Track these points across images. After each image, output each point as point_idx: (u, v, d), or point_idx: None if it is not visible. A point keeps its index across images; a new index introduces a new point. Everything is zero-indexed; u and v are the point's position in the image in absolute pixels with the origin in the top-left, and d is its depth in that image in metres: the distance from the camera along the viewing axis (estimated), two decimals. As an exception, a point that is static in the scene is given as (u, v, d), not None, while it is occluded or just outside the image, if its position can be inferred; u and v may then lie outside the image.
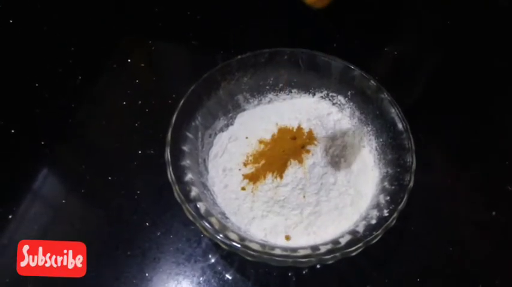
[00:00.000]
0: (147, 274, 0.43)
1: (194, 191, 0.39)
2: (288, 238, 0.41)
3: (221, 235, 0.36)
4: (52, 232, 0.46)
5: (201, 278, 0.43)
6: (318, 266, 0.44)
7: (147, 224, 0.46)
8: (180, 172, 0.39)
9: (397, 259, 0.45)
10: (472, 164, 0.51)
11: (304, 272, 0.44)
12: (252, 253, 0.35)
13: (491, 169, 0.51)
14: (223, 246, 0.36)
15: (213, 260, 0.44)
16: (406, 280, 0.43)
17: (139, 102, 0.55)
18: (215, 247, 0.45)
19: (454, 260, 0.45)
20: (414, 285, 0.43)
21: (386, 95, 0.43)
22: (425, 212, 0.47)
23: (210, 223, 0.36)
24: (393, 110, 0.42)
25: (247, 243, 0.35)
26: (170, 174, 0.38)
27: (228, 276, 0.43)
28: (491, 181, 0.50)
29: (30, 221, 0.46)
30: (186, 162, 0.41)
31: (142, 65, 0.59)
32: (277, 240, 0.41)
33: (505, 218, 0.47)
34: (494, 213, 0.47)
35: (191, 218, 0.37)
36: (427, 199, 0.48)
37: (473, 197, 0.49)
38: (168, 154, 0.39)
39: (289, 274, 0.44)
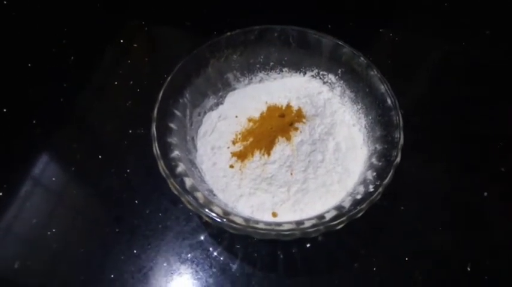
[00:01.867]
0: (135, 251, 0.43)
1: (181, 167, 0.39)
2: (274, 215, 0.41)
3: (206, 209, 0.36)
4: (42, 209, 0.46)
5: (189, 255, 0.43)
6: (308, 245, 0.44)
7: (136, 202, 0.46)
8: (166, 148, 0.39)
9: (386, 238, 0.45)
10: (464, 144, 0.51)
11: (293, 250, 0.44)
12: (236, 226, 0.35)
13: (484, 150, 0.50)
14: (208, 220, 0.36)
15: (201, 238, 0.44)
16: (395, 259, 0.43)
17: (131, 82, 0.55)
18: (204, 225, 0.45)
19: (443, 240, 0.45)
20: (403, 264, 0.43)
21: (375, 72, 0.42)
22: (415, 192, 0.47)
23: (195, 198, 0.36)
24: (382, 87, 0.41)
25: (231, 217, 0.35)
26: (155, 149, 0.38)
27: (216, 253, 0.44)
28: (484, 162, 0.50)
29: (21, 199, 0.46)
30: (173, 139, 0.41)
31: (135, 45, 0.59)
32: (264, 217, 0.41)
33: (497, 199, 0.47)
34: (486, 194, 0.47)
35: (176, 192, 0.37)
36: (417, 179, 0.48)
37: (465, 177, 0.49)
38: (154, 130, 0.39)
39: (278, 252, 0.44)
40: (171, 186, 0.37)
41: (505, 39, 0.61)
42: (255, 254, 0.43)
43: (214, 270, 0.43)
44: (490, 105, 0.54)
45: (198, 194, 0.37)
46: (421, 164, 0.49)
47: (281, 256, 0.43)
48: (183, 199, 0.37)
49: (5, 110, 0.53)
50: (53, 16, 0.62)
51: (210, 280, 0.42)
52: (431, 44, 0.60)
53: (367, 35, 0.61)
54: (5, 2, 0.63)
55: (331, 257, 0.44)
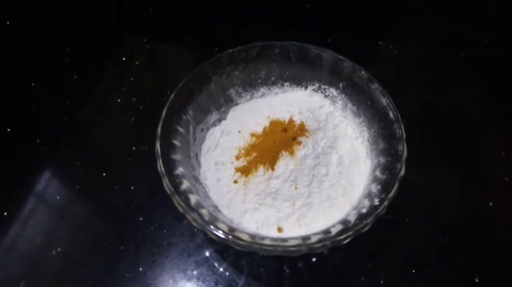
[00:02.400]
0: (140, 269, 0.43)
1: (185, 184, 0.39)
2: (280, 229, 0.41)
3: (211, 226, 0.36)
4: (47, 228, 0.46)
5: (195, 272, 0.43)
6: (314, 259, 0.43)
7: (141, 219, 0.46)
8: (170, 165, 0.39)
9: (391, 251, 0.45)
10: (468, 155, 0.51)
11: (299, 265, 0.43)
12: (241, 243, 0.35)
13: (488, 160, 0.50)
14: (214, 237, 0.36)
15: (206, 254, 0.44)
16: (401, 272, 0.43)
17: (134, 99, 0.55)
18: (209, 241, 0.45)
19: (450, 252, 0.44)
20: (409, 276, 0.43)
21: (377, 85, 0.42)
22: (419, 203, 0.47)
23: (200, 214, 0.36)
24: (384, 100, 0.42)
25: (237, 233, 0.35)
26: (160, 166, 0.38)
27: (221, 269, 0.43)
28: (488, 172, 0.50)
29: (25, 218, 0.46)
30: (177, 156, 0.41)
31: (137, 63, 0.60)
32: (269, 232, 0.41)
33: (502, 209, 0.47)
34: (491, 204, 0.47)
35: (181, 209, 0.37)
36: (421, 190, 0.48)
37: (469, 188, 0.48)
38: (158, 147, 0.39)
39: (284, 268, 0.43)
40: (175, 203, 0.37)
41: (504, 47, 0.61)
42: (261, 270, 0.43)
43: (220, 286, 0.42)
44: (493, 115, 0.54)
45: (203, 211, 0.37)
46: (425, 176, 0.48)
47: (287, 271, 0.43)
48: (188, 216, 0.37)
49: (8, 129, 0.53)
50: (54, 35, 0.63)
51: (217, 297, 0.42)
52: (431, 55, 0.61)
53: (367, 47, 0.61)
54: (7, 23, 0.64)
55: (338, 271, 0.43)
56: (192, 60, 0.61)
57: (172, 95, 0.42)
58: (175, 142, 0.42)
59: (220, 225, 0.36)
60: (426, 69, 0.60)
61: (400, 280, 0.43)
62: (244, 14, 0.64)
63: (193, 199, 0.38)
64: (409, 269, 0.43)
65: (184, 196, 0.38)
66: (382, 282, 0.42)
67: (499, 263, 0.43)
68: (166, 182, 0.37)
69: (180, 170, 0.40)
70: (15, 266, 0.44)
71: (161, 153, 0.39)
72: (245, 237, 0.35)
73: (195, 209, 0.37)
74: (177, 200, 0.37)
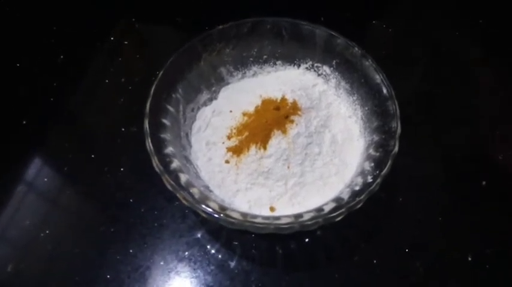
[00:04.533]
0: (131, 250, 0.43)
1: (175, 163, 0.38)
2: (272, 209, 0.41)
3: (202, 205, 0.35)
4: (35, 210, 0.45)
5: (186, 253, 0.42)
6: (307, 239, 0.43)
7: (131, 200, 0.45)
8: (160, 144, 0.38)
9: (385, 230, 0.44)
10: (462, 133, 0.51)
11: (291, 245, 0.43)
12: (233, 221, 0.34)
13: (482, 138, 0.50)
14: (205, 216, 0.35)
15: (198, 235, 0.44)
16: (395, 251, 0.43)
17: (123, 79, 0.54)
18: (200, 222, 0.44)
19: (443, 231, 0.44)
20: (403, 256, 0.42)
21: (370, 62, 0.42)
22: (413, 183, 0.47)
23: (190, 193, 0.36)
24: (378, 77, 0.41)
25: (228, 212, 0.35)
26: (149, 145, 0.37)
27: (213, 251, 0.43)
28: (482, 150, 0.49)
29: (13, 201, 0.45)
30: (167, 135, 0.40)
31: (126, 42, 0.58)
32: (262, 212, 0.40)
33: (496, 188, 0.46)
34: (484, 183, 0.47)
35: (171, 188, 0.36)
36: (415, 170, 0.47)
37: (463, 167, 0.48)
38: (146, 125, 0.38)
39: (276, 248, 0.43)
40: (165, 182, 0.36)
41: (498, 27, 0.60)
42: (254, 251, 0.43)
43: (212, 267, 0.42)
44: (488, 92, 0.54)
45: (194, 190, 0.36)
46: (419, 155, 0.48)
47: (280, 251, 0.43)
48: (178, 195, 0.36)
49: (-6, 110, 0.52)
50: (41, 15, 0.61)
51: (209, 278, 0.41)
52: (425, 34, 0.60)
53: (361, 26, 0.60)
54: (-8, 2, 0.62)
55: (331, 251, 0.43)
56: (182, 40, 0.58)
57: (161, 72, 0.41)
58: (165, 121, 0.41)
59: (211, 204, 0.35)
60: (420, 48, 0.59)
61: (393, 259, 0.42)
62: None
63: (183, 178, 0.37)
64: (403, 248, 0.43)
65: (174, 174, 0.37)
66: (375, 261, 0.42)
67: (492, 243, 0.43)
68: (155, 161, 0.37)
69: (169, 149, 0.39)
70: (3, 248, 0.44)
71: (150, 131, 0.38)
72: (236, 215, 0.34)
73: (186, 188, 0.36)
74: (166, 179, 0.36)
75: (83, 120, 0.52)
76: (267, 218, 0.35)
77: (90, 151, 0.49)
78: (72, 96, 0.54)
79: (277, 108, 0.42)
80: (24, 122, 0.51)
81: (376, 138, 0.40)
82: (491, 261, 0.42)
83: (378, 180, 0.35)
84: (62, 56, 0.56)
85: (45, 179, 0.47)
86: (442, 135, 0.50)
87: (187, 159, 0.42)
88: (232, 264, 0.42)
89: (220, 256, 0.42)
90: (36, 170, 0.48)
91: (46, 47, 0.57)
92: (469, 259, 0.42)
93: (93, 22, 0.60)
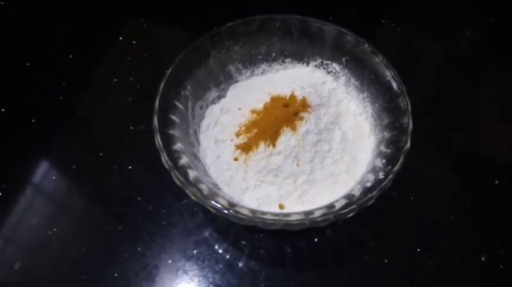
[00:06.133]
0: (139, 249, 0.42)
1: (184, 159, 0.38)
2: (281, 207, 0.40)
3: (212, 201, 0.35)
4: (43, 208, 0.45)
5: (194, 252, 0.42)
6: (316, 239, 0.43)
7: (139, 198, 0.45)
8: (168, 140, 0.38)
9: (396, 230, 0.44)
10: (474, 132, 0.50)
11: (300, 245, 0.42)
12: (242, 217, 0.33)
13: (495, 136, 0.49)
14: (214, 211, 0.35)
15: (206, 234, 0.43)
16: (406, 251, 0.42)
17: (131, 79, 0.54)
18: (208, 220, 0.44)
19: (455, 231, 0.43)
20: (414, 256, 0.42)
21: (381, 58, 0.41)
22: (425, 182, 0.46)
23: (199, 190, 0.35)
24: (388, 73, 0.40)
25: (238, 208, 0.34)
26: (158, 141, 0.37)
27: (221, 250, 0.42)
28: (494, 149, 0.48)
29: (21, 199, 0.45)
30: (175, 131, 0.40)
31: (134, 42, 0.58)
32: (271, 209, 0.40)
33: (508, 187, 0.46)
34: (497, 182, 0.46)
35: (179, 183, 0.36)
36: (426, 169, 0.47)
37: (475, 166, 0.47)
38: (155, 121, 0.38)
39: (285, 248, 0.42)
40: (174, 178, 0.36)
41: (508, 27, 0.60)
42: (262, 250, 0.42)
43: (220, 266, 0.41)
44: (498, 92, 0.53)
45: (203, 186, 0.36)
46: (431, 153, 0.47)
47: (289, 251, 0.42)
48: (187, 191, 0.36)
49: (3, 109, 0.52)
50: (50, 15, 0.61)
51: (217, 277, 0.41)
52: (434, 34, 0.59)
53: (370, 26, 0.60)
54: (2, 3, 0.62)
55: (341, 250, 0.42)
56: (191, 40, 0.59)
57: (170, 69, 0.41)
58: (174, 118, 0.40)
59: (220, 200, 0.35)
60: (430, 47, 0.58)
61: (405, 259, 0.42)
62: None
63: (192, 174, 0.37)
64: (415, 248, 0.42)
65: (183, 170, 0.36)
66: (386, 261, 0.41)
67: (506, 243, 0.42)
68: (164, 157, 0.36)
69: (178, 145, 0.39)
70: (11, 247, 0.43)
71: (159, 127, 0.38)
72: (246, 211, 0.34)
73: (194, 184, 0.36)
74: (175, 175, 0.36)
75: (91, 120, 0.52)
76: (277, 214, 0.34)
77: (98, 150, 0.48)
78: (80, 95, 0.54)
79: (286, 105, 0.42)
80: (33, 121, 0.51)
81: (387, 135, 0.39)
82: (505, 261, 0.41)
83: (390, 176, 0.35)
84: (71, 56, 0.56)
85: (53, 178, 0.47)
86: (453, 135, 0.50)
87: (195, 156, 0.42)
88: (241, 263, 0.42)
89: (228, 255, 0.42)
90: (45, 169, 0.48)
91: (55, 47, 0.57)
92: (483, 259, 0.41)
93: (102, 22, 0.60)
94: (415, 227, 0.43)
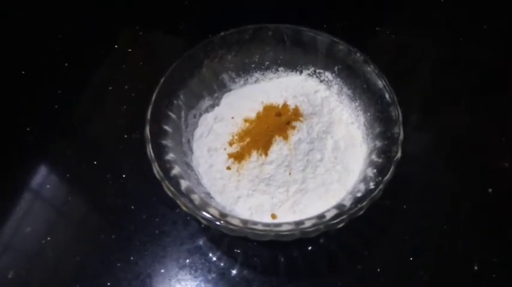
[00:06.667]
0: (132, 258, 0.42)
1: (176, 170, 0.38)
2: (274, 216, 0.40)
3: (202, 211, 0.35)
4: (37, 217, 0.45)
5: (187, 260, 0.42)
6: (310, 247, 0.43)
7: (132, 207, 0.45)
8: (160, 150, 0.38)
9: (389, 239, 0.44)
10: (466, 140, 0.50)
11: (294, 253, 0.42)
12: (233, 228, 0.34)
13: (487, 145, 0.49)
14: (205, 222, 0.35)
15: (200, 243, 0.43)
16: (399, 259, 0.42)
17: (126, 87, 0.54)
18: (201, 229, 0.44)
19: (448, 239, 0.43)
20: (407, 264, 0.42)
21: (372, 68, 0.41)
22: (417, 190, 0.46)
23: (190, 200, 0.35)
24: (380, 82, 0.41)
25: (228, 219, 0.34)
26: (149, 151, 0.37)
27: (215, 258, 0.42)
28: (487, 157, 0.48)
29: (14, 207, 0.45)
30: (168, 141, 0.40)
31: (129, 50, 0.59)
32: (263, 219, 0.40)
33: (502, 195, 0.46)
34: (490, 190, 0.46)
35: (171, 194, 0.36)
36: (419, 177, 0.47)
37: (468, 174, 0.47)
38: (147, 132, 0.38)
39: (279, 256, 0.42)
40: (165, 188, 0.36)
41: (501, 33, 0.60)
42: (255, 259, 0.42)
43: (213, 275, 0.41)
44: (491, 99, 0.53)
45: (194, 196, 0.36)
46: (422, 161, 0.48)
47: (282, 260, 0.42)
48: (178, 202, 0.36)
49: (-2, 118, 0.52)
50: (46, 23, 0.62)
51: (210, 286, 0.41)
52: (428, 41, 0.59)
53: (364, 33, 0.60)
54: (-3, 11, 0.63)
55: (334, 259, 0.42)
56: (185, 47, 0.59)
57: (163, 79, 0.41)
58: (166, 128, 0.41)
59: (211, 210, 0.35)
60: (424, 54, 0.58)
61: (397, 267, 0.42)
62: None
63: (184, 184, 0.37)
64: (407, 256, 0.42)
65: (174, 181, 0.37)
66: (378, 270, 0.41)
67: (499, 251, 0.42)
68: (156, 167, 0.36)
69: (170, 155, 0.39)
70: (5, 255, 0.43)
71: (151, 138, 0.38)
72: (237, 222, 0.34)
73: (186, 194, 0.36)
74: (167, 185, 0.36)
75: (86, 128, 0.53)
76: (268, 225, 0.34)
77: (92, 158, 0.49)
78: (75, 103, 0.54)
79: (279, 115, 0.42)
80: (28, 129, 0.51)
81: (378, 144, 0.39)
82: (498, 270, 0.41)
83: (381, 186, 0.35)
84: (66, 64, 0.57)
85: (48, 186, 0.47)
86: (445, 142, 0.50)
87: (188, 165, 0.42)
88: (234, 272, 0.42)
89: (221, 264, 0.42)
90: (38, 177, 0.48)
91: (51, 55, 0.58)
92: (475, 268, 0.41)
93: (98, 30, 0.61)
94: (407, 236, 0.43)
